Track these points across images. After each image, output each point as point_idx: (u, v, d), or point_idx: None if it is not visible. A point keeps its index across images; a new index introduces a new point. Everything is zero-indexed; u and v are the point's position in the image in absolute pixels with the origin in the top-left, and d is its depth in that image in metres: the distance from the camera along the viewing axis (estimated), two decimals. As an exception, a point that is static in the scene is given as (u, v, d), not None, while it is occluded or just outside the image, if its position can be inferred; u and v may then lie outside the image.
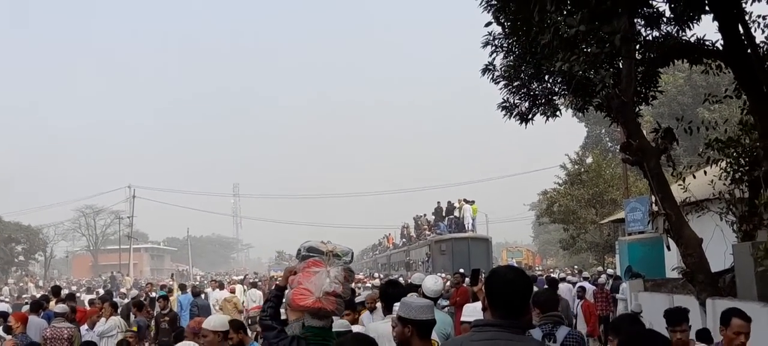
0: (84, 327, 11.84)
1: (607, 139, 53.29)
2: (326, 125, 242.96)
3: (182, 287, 24.47)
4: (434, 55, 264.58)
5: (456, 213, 40.25)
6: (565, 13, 9.55)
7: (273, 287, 5.33)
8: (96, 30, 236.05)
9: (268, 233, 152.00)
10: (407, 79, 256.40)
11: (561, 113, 12.81)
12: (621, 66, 10.55)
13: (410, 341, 4.42)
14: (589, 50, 9.77)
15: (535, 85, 12.18)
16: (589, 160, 37.34)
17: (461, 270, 21.15)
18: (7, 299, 31.69)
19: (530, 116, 12.37)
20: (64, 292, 17.61)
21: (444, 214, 41.68)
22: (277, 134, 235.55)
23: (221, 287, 23.53)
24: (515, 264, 36.85)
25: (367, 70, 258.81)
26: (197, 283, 36.21)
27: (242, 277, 38.54)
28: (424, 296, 7.03)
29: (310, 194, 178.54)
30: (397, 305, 4.92)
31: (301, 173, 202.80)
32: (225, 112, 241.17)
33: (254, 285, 26.66)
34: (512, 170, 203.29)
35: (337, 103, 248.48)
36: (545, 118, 12.43)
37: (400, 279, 22.91)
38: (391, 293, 6.94)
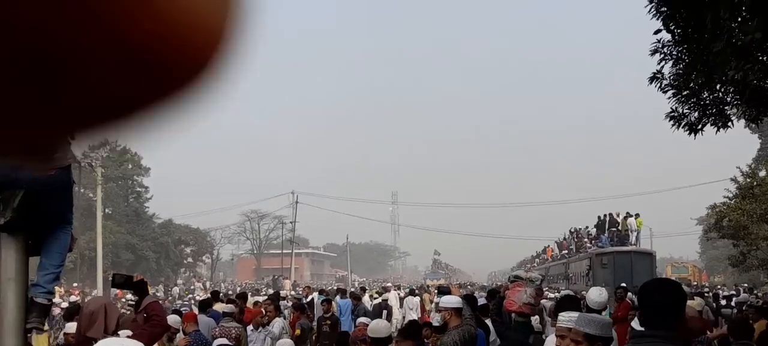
0: (250, 327, 12.28)
1: (783, 151, 50.50)
2: (486, 134, 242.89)
3: (342, 292, 25.06)
4: (604, 66, 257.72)
5: (619, 226, 39.18)
6: (739, 19, 9.13)
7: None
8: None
9: (425, 241, 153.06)
10: (571, 91, 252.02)
11: (733, 124, 12.21)
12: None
13: None
14: (765, 58, 9.32)
15: (706, 94, 11.67)
16: (763, 173, 35.41)
17: (623, 285, 20.60)
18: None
19: (700, 127, 11.87)
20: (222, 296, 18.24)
21: (607, 227, 40.60)
22: (436, 142, 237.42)
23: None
24: (676, 279, 35.45)
25: (532, 79, 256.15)
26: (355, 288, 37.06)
27: (398, 285, 39.25)
28: (588, 308, 7.73)
29: (467, 203, 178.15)
30: (565, 315, 4.96)
31: (460, 182, 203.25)
32: (386, 120, 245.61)
33: (412, 292, 27.05)
34: (680, 183, 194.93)
35: (498, 111, 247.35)
36: (716, 129, 11.89)
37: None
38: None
